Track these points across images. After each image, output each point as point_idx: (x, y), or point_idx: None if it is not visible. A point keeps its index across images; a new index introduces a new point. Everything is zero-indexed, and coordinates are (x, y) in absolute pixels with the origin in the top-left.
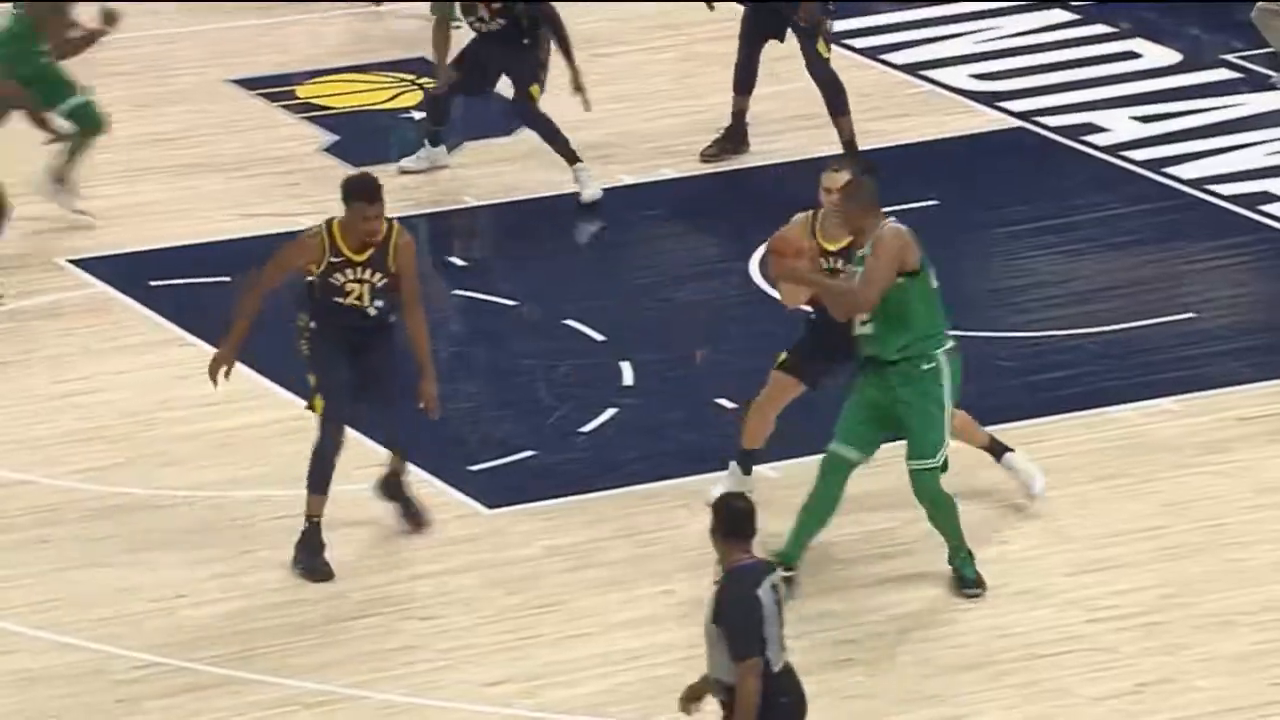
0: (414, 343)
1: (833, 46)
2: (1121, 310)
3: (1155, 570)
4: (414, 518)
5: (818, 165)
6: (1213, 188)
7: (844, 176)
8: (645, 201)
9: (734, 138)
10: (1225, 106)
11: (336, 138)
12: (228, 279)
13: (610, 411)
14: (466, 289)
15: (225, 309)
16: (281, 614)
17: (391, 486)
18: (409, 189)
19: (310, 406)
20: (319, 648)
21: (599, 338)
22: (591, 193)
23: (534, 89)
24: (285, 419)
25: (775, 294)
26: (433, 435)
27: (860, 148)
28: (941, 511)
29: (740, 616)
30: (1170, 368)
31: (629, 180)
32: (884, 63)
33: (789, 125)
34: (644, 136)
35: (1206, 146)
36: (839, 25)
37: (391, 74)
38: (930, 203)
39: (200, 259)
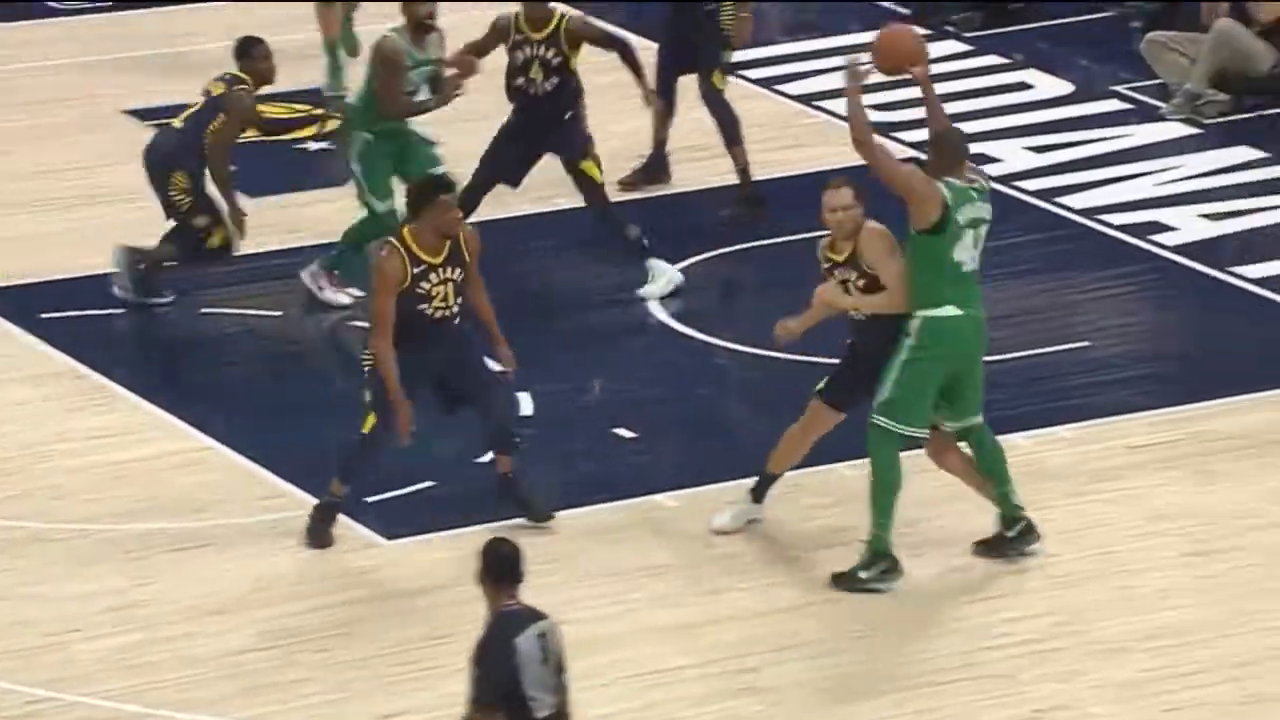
0: (483, 315)
1: (728, 78)
2: (1015, 339)
3: (1049, 597)
4: (538, 513)
5: (711, 196)
6: (1104, 217)
7: (847, 191)
8: (543, 231)
9: (655, 167)
10: (1116, 137)
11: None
12: (122, 310)
13: None
14: (364, 320)
15: (121, 340)
16: (176, 647)
17: (510, 488)
18: (303, 220)
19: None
20: (215, 680)
21: (497, 368)
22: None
23: (587, 164)
24: (179, 451)
25: (676, 324)
26: (332, 465)
27: (754, 177)
28: (874, 475)
29: (488, 663)
30: (1063, 396)
31: (527, 210)
32: (779, 93)
33: (682, 156)
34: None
35: (1098, 176)
36: (735, 56)
37: (286, 104)
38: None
39: (93, 291)
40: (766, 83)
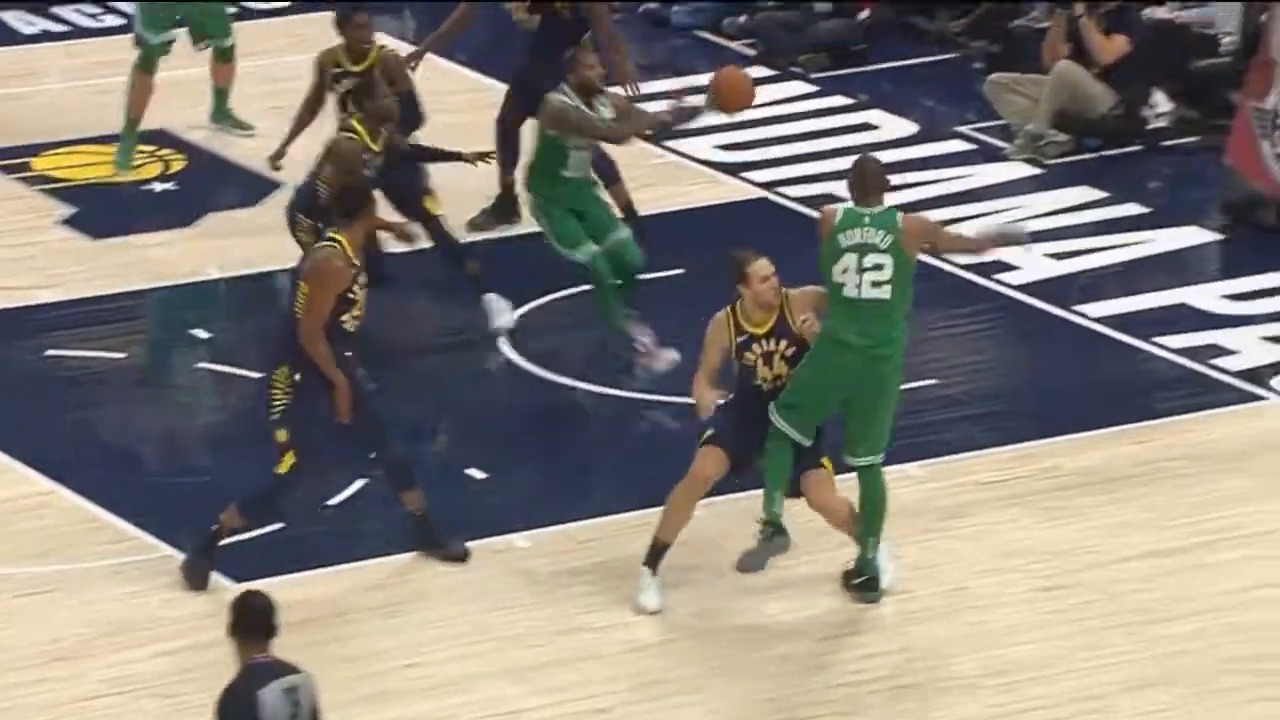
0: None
1: None
2: None
3: (902, 634)
4: (454, 551)
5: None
6: (951, 257)
7: (768, 263)
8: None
9: (504, 210)
10: (961, 177)
11: (75, 210)
12: None
13: (359, 483)
14: (211, 362)
15: None
16: (24, 694)
17: (421, 528)
18: (148, 261)
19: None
20: None
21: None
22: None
23: (429, 202)
24: (23, 495)
25: (525, 364)
26: (177, 508)
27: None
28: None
29: (229, 716)
30: (913, 434)
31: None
32: None
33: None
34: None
35: (944, 216)
36: None
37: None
38: (676, 271)
39: None
40: None
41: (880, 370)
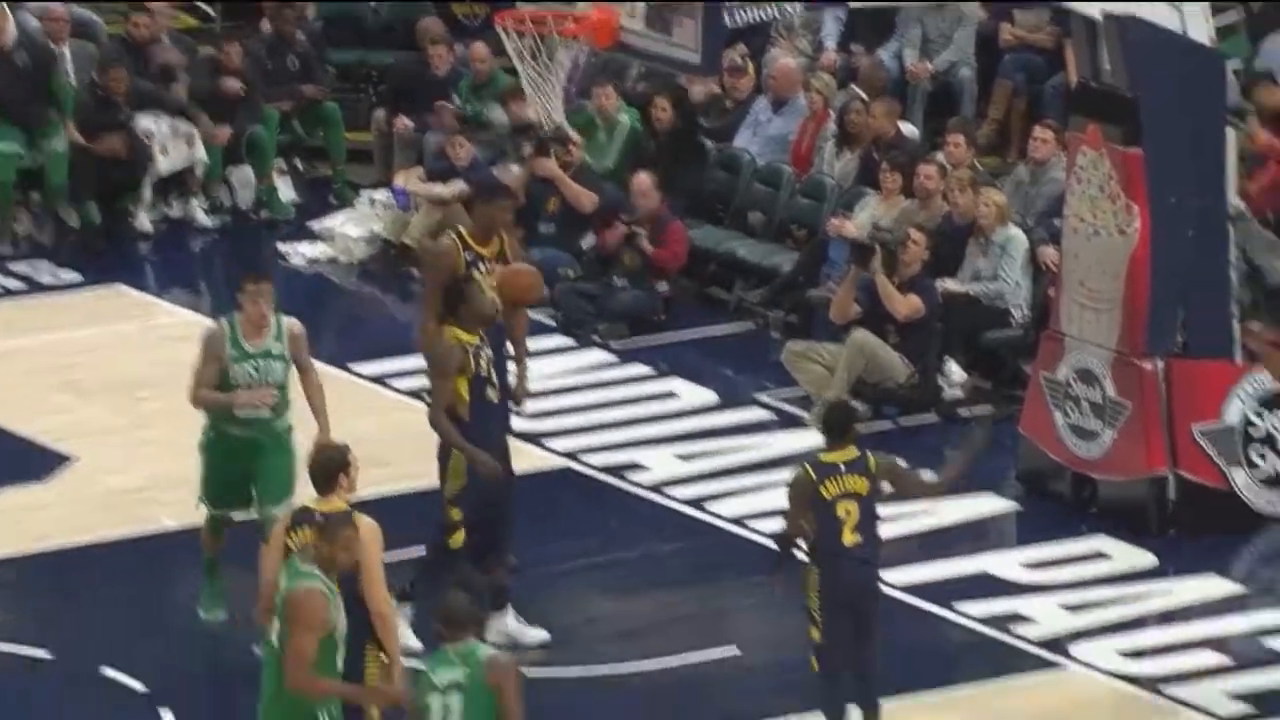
0: None
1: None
2: (666, 645)
3: None
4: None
5: None
6: (750, 523)
7: None
8: (190, 545)
9: None
10: (760, 445)
11: None
12: None
13: None
14: None
15: None
16: None
17: None
18: None
19: None
20: None
21: (140, 688)
22: None
23: None
24: None
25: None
26: None
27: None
28: None
29: None
30: (714, 701)
31: (173, 525)
32: None
33: None
34: (185, 480)
35: (743, 484)
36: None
37: None
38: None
39: None
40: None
41: None
